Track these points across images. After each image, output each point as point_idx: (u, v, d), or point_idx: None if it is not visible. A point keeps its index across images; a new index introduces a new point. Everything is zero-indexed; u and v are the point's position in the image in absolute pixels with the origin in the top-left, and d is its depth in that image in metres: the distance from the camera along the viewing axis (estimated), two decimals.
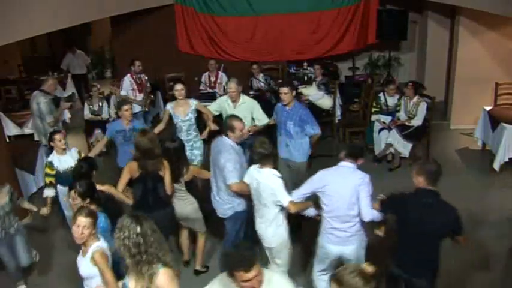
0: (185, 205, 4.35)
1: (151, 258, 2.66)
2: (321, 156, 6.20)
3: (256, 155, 3.79)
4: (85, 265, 3.15)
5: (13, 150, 5.94)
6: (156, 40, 8.14)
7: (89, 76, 12.72)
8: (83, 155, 4.86)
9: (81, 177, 3.90)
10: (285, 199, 3.65)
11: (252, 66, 7.76)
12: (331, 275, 2.37)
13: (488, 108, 6.89)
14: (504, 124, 6.29)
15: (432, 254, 3.29)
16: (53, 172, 4.72)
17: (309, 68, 8.36)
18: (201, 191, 5.04)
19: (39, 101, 5.98)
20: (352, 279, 2.25)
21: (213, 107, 5.57)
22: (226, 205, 4.19)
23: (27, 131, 7.31)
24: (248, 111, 5.29)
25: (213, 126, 5.45)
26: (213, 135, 5.18)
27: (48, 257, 5.05)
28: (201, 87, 7.63)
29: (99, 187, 3.91)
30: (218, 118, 5.61)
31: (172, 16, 8.08)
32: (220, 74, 7.65)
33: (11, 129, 7.22)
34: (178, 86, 5.39)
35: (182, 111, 5.37)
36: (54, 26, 6.39)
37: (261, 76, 7.80)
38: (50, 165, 4.73)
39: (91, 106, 7.26)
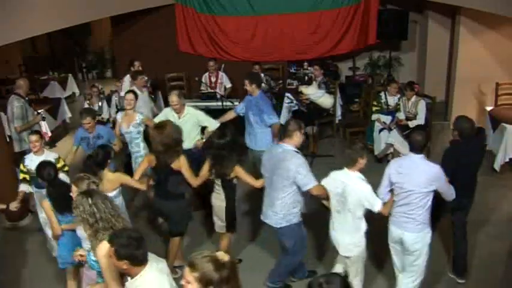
0: (215, 200, 4.28)
1: (107, 224, 2.97)
2: (322, 156, 6.21)
3: (348, 158, 3.69)
4: None
5: (13, 150, 5.94)
6: (157, 40, 8.14)
7: (90, 76, 12.79)
8: (62, 163, 4.66)
9: (98, 165, 4.09)
10: (377, 204, 3.61)
11: (253, 67, 7.75)
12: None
13: (488, 108, 6.89)
14: (504, 124, 6.29)
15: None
16: (25, 169, 4.63)
17: (309, 68, 8.37)
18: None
19: (13, 105, 5.74)
20: (204, 264, 2.28)
21: (160, 119, 5.41)
22: (278, 215, 3.92)
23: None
24: (193, 121, 5.30)
25: None
26: None
27: (25, 259, 5.00)
28: (202, 88, 7.62)
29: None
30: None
31: (172, 16, 8.08)
32: (221, 73, 7.64)
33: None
34: (129, 96, 5.30)
35: (125, 123, 5.30)
36: (55, 26, 6.40)
37: (262, 76, 7.79)
38: (22, 162, 4.67)
39: (91, 106, 7.24)
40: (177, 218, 4.36)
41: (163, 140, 4.07)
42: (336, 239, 3.87)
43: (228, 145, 4.05)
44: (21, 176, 4.68)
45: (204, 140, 5.33)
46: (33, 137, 4.59)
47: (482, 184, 6.12)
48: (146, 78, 7.18)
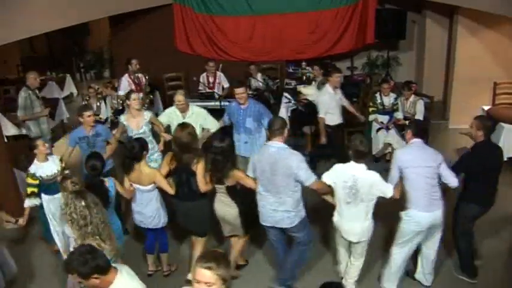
0: (225, 208, 4.15)
1: (95, 229, 3.02)
2: (322, 157, 6.26)
3: (354, 152, 3.79)
4: None
5: (11, 151, 5.93)
6: (155, 40, 8.14)
7: (88, 76, 12.79)
8: (63, 164, 4.69)
9: (134, 158, 4.09)
10: (389, 189, 3.79)
11: (249, 67, 7.75)
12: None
13: (486, 107, 6.90)
14: (502, 124, 6.29)
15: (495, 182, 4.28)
16: (36, 182, 4.48)
17: (307, 68, 8.37)
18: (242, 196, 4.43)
19: (20, 95, 6.05)
20: (221, 260, 2.27)
21: (163, 119, 5.47)
22: (291, 213, 3.92)
23: (24, 131, 7.19)
24: (198, 121, 5.27)
25: (167, 137, 5.33)
26: (169, 145, 5.06)
27: (27, 269, 4.79)
28: (200, 88, 7.61)
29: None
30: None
31: (171, 16, 8.08)
32: (219, 73, 7.63)
33: (9, 130, 7.17)
34: (134, 96, 5.26)
35: (135, 124, 5.23)
36: (53, 26, 6.39)
37: (259, 76, 7.79)
38: (32, 175, 4.47)
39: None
40: (200, 218, 4.25)
41: (184, 138, 4.04)
42: (344, 228, 3.96)
43: (227, 149, 3.98)
44: (29, 190, 4.49)
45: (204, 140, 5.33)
46: (40, 142, 4.51)
47: None
48: (147, 77, 7.20)
